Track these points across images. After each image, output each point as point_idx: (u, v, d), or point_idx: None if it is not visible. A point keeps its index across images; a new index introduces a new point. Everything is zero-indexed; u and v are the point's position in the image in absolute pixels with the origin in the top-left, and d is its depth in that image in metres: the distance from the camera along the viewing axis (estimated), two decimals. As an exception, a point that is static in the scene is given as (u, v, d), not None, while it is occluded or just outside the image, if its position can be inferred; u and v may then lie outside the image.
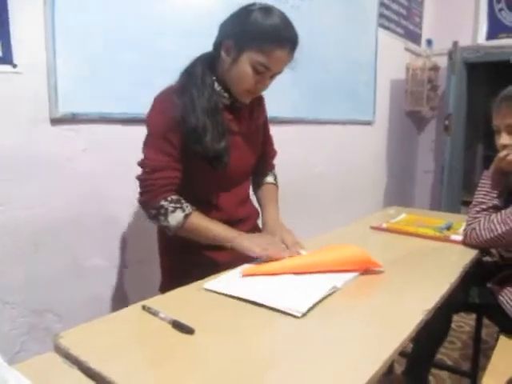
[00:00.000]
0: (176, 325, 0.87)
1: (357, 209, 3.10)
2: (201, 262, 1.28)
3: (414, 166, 4.21)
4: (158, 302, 1.00)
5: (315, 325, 0.91)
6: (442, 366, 2.17)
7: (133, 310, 0.96)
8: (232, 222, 1.31)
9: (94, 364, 0.74)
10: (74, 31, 1.41)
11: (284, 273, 1.15)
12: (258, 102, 1.41)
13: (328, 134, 2.80)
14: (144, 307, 0.95)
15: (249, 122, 1.36)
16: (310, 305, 0.97)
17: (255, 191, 1.53)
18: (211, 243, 1.22)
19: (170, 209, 1.17)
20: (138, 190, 1.22)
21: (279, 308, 0.95)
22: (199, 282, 1.10)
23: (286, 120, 2.39)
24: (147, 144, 1.22)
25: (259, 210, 1.48)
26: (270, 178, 1.53)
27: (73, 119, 1.45)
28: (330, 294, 1.05)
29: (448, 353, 2.33)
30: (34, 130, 1.37)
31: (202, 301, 1.02)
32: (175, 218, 1.17)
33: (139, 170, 1.22)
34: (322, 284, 1.10)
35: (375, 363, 0.76)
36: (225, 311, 0.97)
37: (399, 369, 2.01)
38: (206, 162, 1.23)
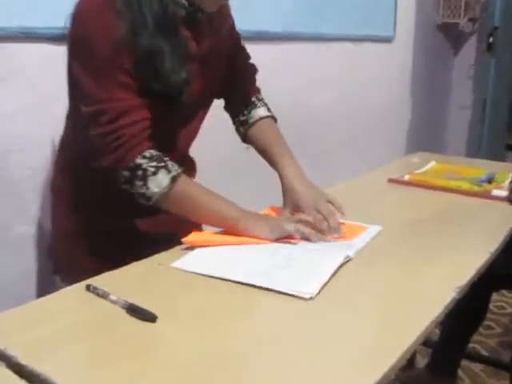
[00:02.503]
0: (132, 310, 0.88)
1: (370, 156, 3.11)
2: (114, 229, 1.25)
3: (447, 99, 4.20)
4: (106, 280, 1.00)
5: (315, 308, 0.93)
6: (476, 357, 2.24)
7: (74, 292, 0.96)
8: None
9: (26, 360, 0.74)
10: None
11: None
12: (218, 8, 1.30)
13: (333, 55, 2.76)
14: (89, 287, 0.95)
15: (209, 38, 1.28)
16: (322, 282, 0.99)
17: (245, 135, 1.44)
18: (200, 221, 1.21)
19: (151, 169, 1.12)
20: (99, 149, 1.14)
21: (283, 290, 0.96)
22: (159, 257, 1.11)
23: (276, 36, 2.34)
24: (94, 77, 1.12)
25: (264, 158, 1.41)
26: (262, 111, 1.43)
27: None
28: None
29: (483, 340, 2.40)
30: None
31: (165, 280, 1.03)
32: (158, 183, 1.13)
33: (88, 121, 1.14)
34: (329, 253, 1.12)
35: (391, 355, 0.78)
36: (195, 293, 0.98)
37: (422, 361, 2.08)
38: (158, 98, 1.16)
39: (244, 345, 0.83)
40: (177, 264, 1.08)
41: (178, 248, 1.16)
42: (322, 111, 2.75)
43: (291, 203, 1.31)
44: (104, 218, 1.27)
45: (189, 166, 1.41)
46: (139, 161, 1.12)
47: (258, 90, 1.47)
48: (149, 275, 1.05)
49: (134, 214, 1.26)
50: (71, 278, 1.05)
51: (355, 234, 1.26)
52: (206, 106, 1.39)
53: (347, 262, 1.10)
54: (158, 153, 1.15)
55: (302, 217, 1.23)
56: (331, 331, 0.87)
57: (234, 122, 1.46)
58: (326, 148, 2.82)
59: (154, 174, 1.12)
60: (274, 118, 1.45)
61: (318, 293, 0.96)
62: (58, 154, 1.36)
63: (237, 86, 1.44)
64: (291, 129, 2.52)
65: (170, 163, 1.15)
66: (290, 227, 1.18)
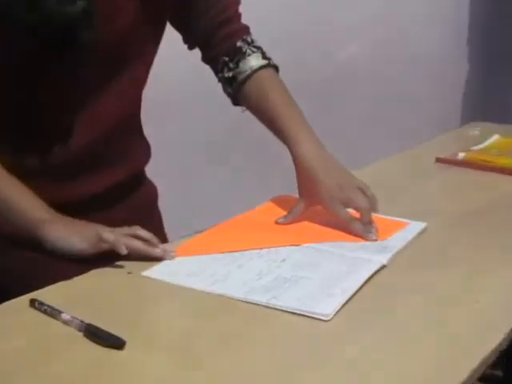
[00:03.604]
0: (92, 333, 0.87)
1: (413, 127, 3.10)
2: None
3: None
4: (56, 293, 1.00)
5: (336, 330, 0.92)
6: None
7: (15, 307, 0.96)
8: (88, 167, 1.23)
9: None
10: None
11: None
12: None
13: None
14: (34, 302, 0.95)
15: None
16: (342, 301, 0.98)
17: (235, 97, 1.38)
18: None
19: None
20: None
21: (290, 310, 0.96)
22: (126, 263, 1.10)
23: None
24: None
25: (271, 129, 1.35)
26: (254, 59, 1.33)
27: None
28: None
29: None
30: None
31: (135, 293, 1.03)
32: None
33: None
34: (355, 261, 1.12)
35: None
36: (173, 311, 0.98)
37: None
38: (42, 38, 1.07)
39: (241, 379, 0.82)
40: (150, 273, 1.08)
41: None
42: (348, 68, 2.74)
43: (307, 192, 1.28)
44: None
45: (135, 152, 1.35)
46: None
47: (244, 30, 1.37)
48: (113, 287, 1.04)
49: None
50: None
51: (391, 232, 1.25)
52: (148, 51, 1.28)
53: (380, 269, 1.10)
54: None
55: (138, 231, 1.13)
56: (357, 362, 0.85)
57: (219, 80, 1.38)
58: (353, 117, 2.81)
59: None
60: (273, 67, 1.37)
61: (340, 309, 0.96)
62: None
63: (210, 27, 1.33)
64: (307, 92, 2.52)
65: None
66: (111, 237, 1.07)
